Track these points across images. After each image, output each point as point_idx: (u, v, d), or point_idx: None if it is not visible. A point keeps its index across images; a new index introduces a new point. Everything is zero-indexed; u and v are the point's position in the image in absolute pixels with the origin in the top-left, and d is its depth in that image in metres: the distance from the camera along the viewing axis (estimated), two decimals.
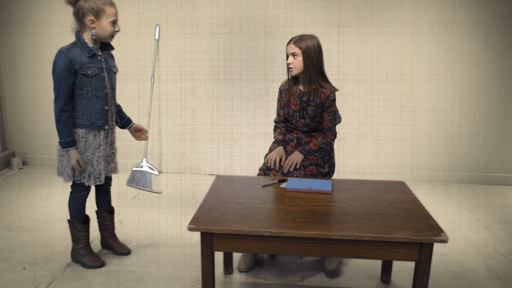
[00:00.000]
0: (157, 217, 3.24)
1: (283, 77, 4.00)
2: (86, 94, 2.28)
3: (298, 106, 2.65)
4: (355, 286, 2.38)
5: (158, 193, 3.71)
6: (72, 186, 2.45)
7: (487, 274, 2.52)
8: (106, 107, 2.36)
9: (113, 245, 2.69)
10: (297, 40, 2.59)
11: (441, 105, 3.97)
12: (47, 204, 3.43)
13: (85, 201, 2.49)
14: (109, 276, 2.43)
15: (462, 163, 4.08)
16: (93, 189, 2.56)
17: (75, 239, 2.52)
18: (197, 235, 2.94)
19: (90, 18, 2.23)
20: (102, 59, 2.36)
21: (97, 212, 2.67)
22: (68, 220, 2.49)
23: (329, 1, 3.83)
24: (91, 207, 2.67)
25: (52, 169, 4.30)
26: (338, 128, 4.09)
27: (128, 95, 4.16)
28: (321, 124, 2.70)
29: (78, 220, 2.49)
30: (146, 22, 3.99)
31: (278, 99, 2.78)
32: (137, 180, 3.77)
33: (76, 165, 2.31)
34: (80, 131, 2.32)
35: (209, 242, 1.88)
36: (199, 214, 1.95)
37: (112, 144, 2.50)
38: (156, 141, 4.25)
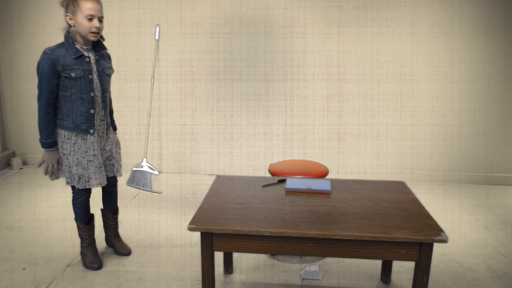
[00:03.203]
0: (157, 217, 3.24)
1: (283, 76, 4.00)
2: (71, 96, 2.22)
3: None
4: (355, 286, 2.38)
5: (158, 193, 3.71)
6: (72, 188, 2.44)
7: (487, 274, 2.52)
8: (91, 111, 2.27)
9: (115, 245, 2.70)
10: None
11: (441, 105, 3.97)
12: (47, 204, 3.43)
13: (86, 202, 2.48)
14: (109, 276, 2.43)
15: (462, 163, 4.09)
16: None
17: (80, 237, 2.55)
18: (197, 235, 2.95)
19: (68, 14, 2.19)
20: (91, 61, 2.26)
21: (102, 210, 2.69)
22: (74, 219, 2.53)
23: (329, 1, 3.83)
24: (97, 205, 2.67)
25: None
26: (337, 127, 4.12)
27: (128, 95, 4.16)
28: None
29: (81, 220, 2.49)
30: (146, 22, 3.99)
31: None
32: (137, 180, 3.77)
33: (50, 166, 2.31)
34: (66, 133, 2.28)
35: (209, 242, 1.88)
36: (199, 214, 1.95)
37: (105, 147, 2.43)
38: (156, 141, 4.25)
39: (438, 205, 3.57)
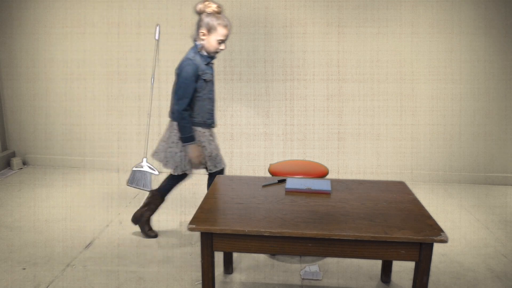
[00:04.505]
0: (157, 217, 3.24)
1: (283, 76, 4.00)
2: (202, 96, 2.58)
3: None
4: (355, 286, 2.38)
5: None
6: (211, 174, 2.75)
7: (487, 274, 2.52)
8: (214, 108, 2.69)
9: (148, 225, 2.91)
10: None
11: (441, 105, 3.97)
12: (47, 204, 3.43)
13: None
14: (109, 276, 2.43)
15: (462, 163, 4.08)
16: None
17: (152, 209, 2.84)
18: (197, 235, 2.95)
19: (203, 31, 2.51)
20: (212, 67, 2.64)
21: (156, 192, 2.86)
22: (157, 193, 2.82)
23: (329, 1, 3.83)
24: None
25: (52, 169, 4.30)
26: (337, 127, 4.12)
27: (128, 95, 4.16)
28: None
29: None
30: (146, 22, 3.99)
31: None
32: (137, 180, 3.76)
33: (197, 158, 2.60)
34: (199, 128, 2.62)
35: (209, 242, 1.88)
36: (199, 214, 1.95)
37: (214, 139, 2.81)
38: (156, 141, 4.25)
39: (438, 205, 3.57)
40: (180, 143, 2.62)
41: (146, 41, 4.03)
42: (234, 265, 2.57)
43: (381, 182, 2.42)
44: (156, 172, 3.86)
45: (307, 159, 4.16)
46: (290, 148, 4.16)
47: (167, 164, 2.70)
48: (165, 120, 4.19)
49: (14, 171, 4.25)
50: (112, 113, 4.23)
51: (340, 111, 4.04)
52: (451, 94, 3.95)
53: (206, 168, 2.73)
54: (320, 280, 2.42)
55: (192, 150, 2.58)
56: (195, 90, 2.54)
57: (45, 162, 4.41)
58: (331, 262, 2.63)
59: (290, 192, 2.23)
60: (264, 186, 2.32)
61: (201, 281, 2.40)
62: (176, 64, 4.06)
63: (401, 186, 2.35)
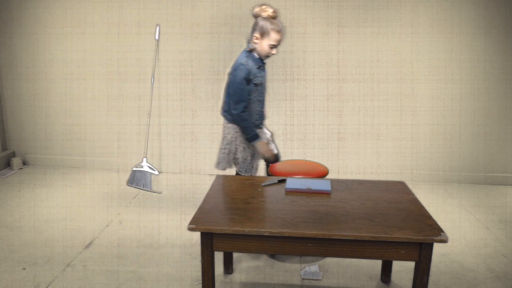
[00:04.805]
0: (157, 217, 3.24)
1: (283, 76, 4.00)
2: (252, 99, 2.62)
3: None
4: (355, 286, 2.38)
5: (158, 193, 3.71)
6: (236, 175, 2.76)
7: (487, 274, 2.52)
8: (263, 109, 2.75)
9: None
10: None
11: (441, 105, 3.97)
12: (47, 204, 3.44)
13: None
14: (109, 276, 2.43)
15: (462, 163, 4.08)
16: None
17: None
18: (197, 235, 2.95)
19: (256, 35, 2.55)
20: (264, 69, 2.67)
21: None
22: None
23: (329, 1, 3.83)
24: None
25: (52, 169, 4.30)
26: (337, 127, 4.11)
27: (128, 95, 4.16)
28: None
29: None
30: (146, 22, 3.99)
31: None
32: (137, 180, 3.77)
33: (267, 153, 2.67)
34: None
35: (209, 242, 1.88)
36: (199, 214, 1.95)
37: (264, 135, 2.81)
38: (156, 141, 4.25)
39: (438, 205, 3.57)
40: (224, 141, 2.72)
41: (146, 41, 4.03)
42: (234, 265, 2.57)
43: (381, 182, 2.42)
44: (156, 172, 3.86)
45: (307, 159, 4.16)
46: (290, 148, 4.16)
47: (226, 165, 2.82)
48: (165, 120, 4.19)
49: (14, 171, 4.25)
50: (112, 113, 4.23)
51: (340, 111, 4.04)
52: (451, 94, 3.95)
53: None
54: (320, 280, 2.42)
55: (260, 146, 2.65)
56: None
57: (45, 162, 4.41)
58: (331, 262, 2.63)
59: (290, 192, 2.23)
60: (264, 186, 2.32)
61: (201, 281, 2.40)
62: (175, 63, 4.07)
63: (401, 186, 2.35)
